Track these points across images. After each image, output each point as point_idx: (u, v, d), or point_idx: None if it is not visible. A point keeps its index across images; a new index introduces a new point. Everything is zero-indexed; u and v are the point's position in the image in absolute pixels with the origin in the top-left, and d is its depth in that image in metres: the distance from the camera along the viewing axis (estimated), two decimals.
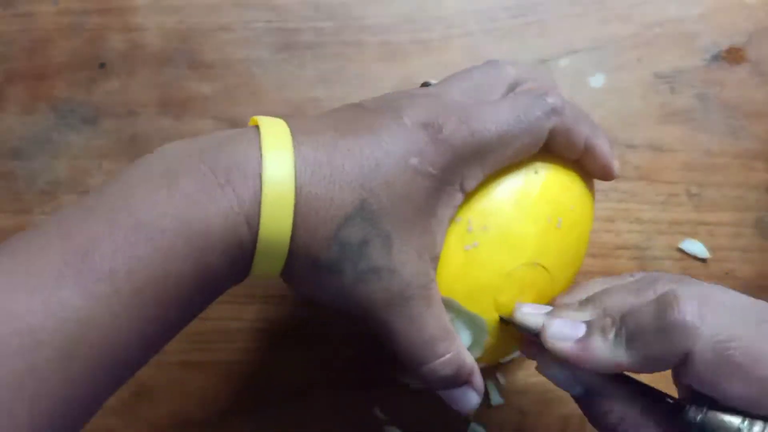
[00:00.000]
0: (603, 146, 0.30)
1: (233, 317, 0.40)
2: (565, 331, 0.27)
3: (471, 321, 0.30)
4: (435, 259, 0.28)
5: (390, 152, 0.26)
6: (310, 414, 0.39)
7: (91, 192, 0.26)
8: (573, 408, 0.40)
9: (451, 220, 0.28)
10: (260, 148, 0.25)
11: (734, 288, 0.40)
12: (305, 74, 0.41)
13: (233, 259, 0.25)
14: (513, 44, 0.41)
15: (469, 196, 0.29)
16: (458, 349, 0.29)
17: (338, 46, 0.41)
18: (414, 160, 0.26)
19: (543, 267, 0.30)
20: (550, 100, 0.28)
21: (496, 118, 0.27)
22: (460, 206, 0.29)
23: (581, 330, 0.27)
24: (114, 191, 0.25)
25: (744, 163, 0.41)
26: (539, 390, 0.40)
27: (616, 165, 0.31)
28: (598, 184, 0.41)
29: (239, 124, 0.41)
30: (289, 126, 0.27)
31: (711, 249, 0.40)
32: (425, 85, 0.34)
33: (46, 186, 0.41)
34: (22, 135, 0.41)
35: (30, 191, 0.41)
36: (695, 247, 0.40)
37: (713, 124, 0.41)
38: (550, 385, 0.40)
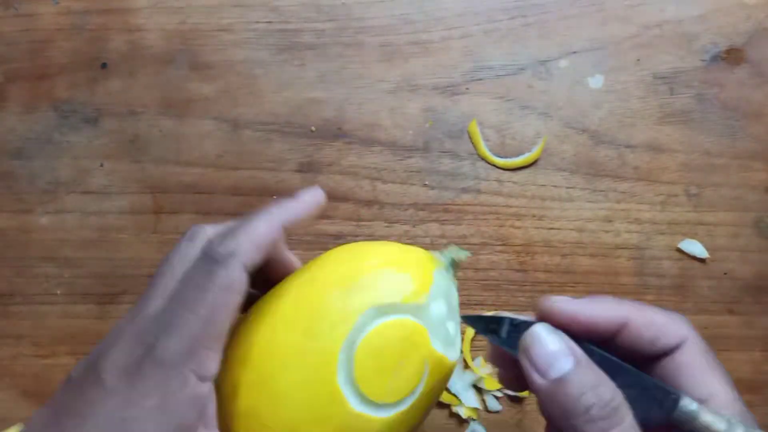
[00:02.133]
0: (292, 214, 0.28)
1: None
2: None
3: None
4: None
5: (97, 428, 0.25)
6: None
7: None
8: None
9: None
10: None
11: (734, 288, 0.40)
12: (306, 75, 0.41)
13: None
14: (512, 45, 0.41)
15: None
16: None
17: (338, 47, 0.41)
18: (118, 414, 0.25)
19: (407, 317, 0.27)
20: (218, 248, 0.26)
21: (182, 306, 0.26)
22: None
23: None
24: None
25: (743, 163, 0.41)
26: None
27: (312, 202, 0.29)
28: (598, 183, 0.41)
29: (240, 125, 0.41)
30: None
31: (710, 249, 0.40)
32: None
33: (47, 186, 0.41)
34: (23, 135, 0.41)
35: (31, 191, 0.41)
36: (694, 247, 0.40)
37: (712, 124, 0.41)
38: None
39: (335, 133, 0.41)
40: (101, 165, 0.41)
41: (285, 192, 0.41)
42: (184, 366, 0.25)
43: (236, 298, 0.26)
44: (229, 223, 0.29)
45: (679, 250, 0.41)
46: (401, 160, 0.41)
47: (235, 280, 0.26)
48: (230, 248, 0.26)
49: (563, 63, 0.41)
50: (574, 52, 0.41)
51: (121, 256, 0.41)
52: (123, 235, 0.41)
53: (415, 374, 0.26)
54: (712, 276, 0.41)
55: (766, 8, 0.42)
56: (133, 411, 0.25)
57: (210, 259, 0.26)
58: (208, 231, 0.28)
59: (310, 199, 0.29)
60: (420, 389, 0.26)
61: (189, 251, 0.28)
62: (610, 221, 0.41)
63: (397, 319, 0.26)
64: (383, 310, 0.26)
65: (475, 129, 0.41)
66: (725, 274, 0.41)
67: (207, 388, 0.26)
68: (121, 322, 0.27)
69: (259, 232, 0.27)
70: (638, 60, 0.41)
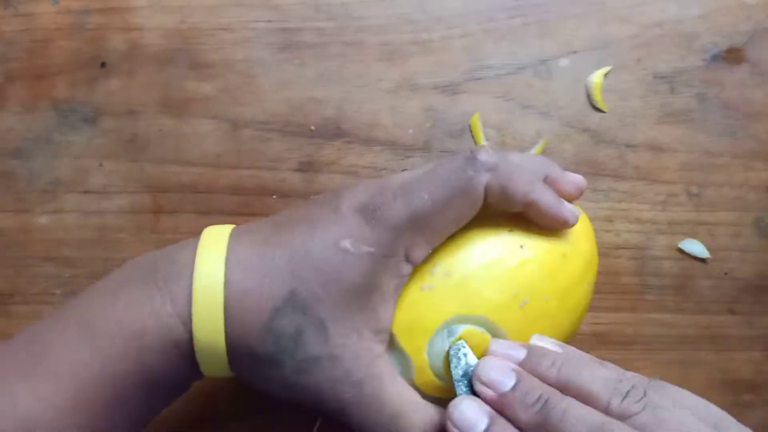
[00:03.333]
0: (544, 200, 0.29)
1: None
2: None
3: (401, 356, 0.29)
4: (380, 332, 0.28)
5: (320, 239, 0.27)
6: (311, 418, 0.39)
7: (69, 303, 0.28)
8: None
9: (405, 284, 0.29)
10: (195, 252, 0.27)
11: (734, 288, 0.40)
12: (306, 74, 0.41)
13: (172, 359, 0.26)
14: (513, 44, 0.41)
15: (451, 243, 0.29)
16: (424, 417, 0.28)
17: (338, 47, 0.41)
18: (345, 243, 0.27)
19: (487, 335, 0.29)
20: (482, 157, 0.28)
21: (428, 185, 0.27)
22: (438, 249, 0.29)
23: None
24: (81, 301, 0.27)
25: (743, 163, 0.41)
26: None
27: (566, 215, 0.29)
28: (599, 183, 0.41)
29: (240, 124, 0.41)
30: (233, 230, 0.28)
31: (710, 249, 0.40)
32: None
33: (47, 185, 0.41)
34: (23, 134, 0.41)
35: (31, 191, 0.41)
36: (695, 246, 0.40)
37: (713, 124, 0.41)
38: None
39: (335, 132, 0.41)
40: (101, 164, 0.41)
41: (285, 192, 0.41)
42: (402, 237, 0.27)
43: (467, 216, 0.28)
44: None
45: (680, 250, 0.41)
46: (401, 159, 0.41)
47: (477, 198, 0.28)
48: (495, 162, 0.28)
49: (564, 62, 0.41)
50: (575, 52, 0.41)
51: (120, 255, 0.41)
52: (122, 234, 0.41)
53: None
54: (713, 276, 0.41)
55: (767, 8, 0.42)
56: (356, 246, 0.27)
57: (473, 160, 0.28)
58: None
59: (567, 213, 0.30)
60: None
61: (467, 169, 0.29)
62: (611, 221, 0.41)
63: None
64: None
65: (476, 123, 0.41)
66: (726, 273, 0.41)
67: (408, 270, 0.28)
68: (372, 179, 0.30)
69: (521, 183, 0.28)
70: (639, 60, 0.41)
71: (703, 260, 0.41)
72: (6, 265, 0.41)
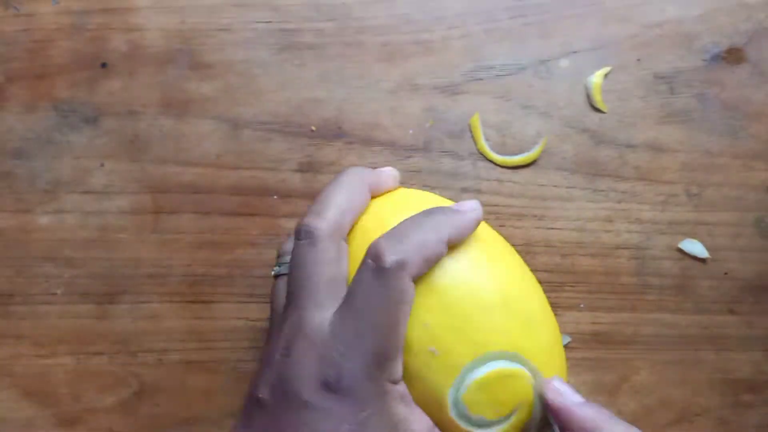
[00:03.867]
0: (457, 230, 0.29)
1: (235, 316, 0.41)
2: None
3: None
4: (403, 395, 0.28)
5: None
6: None
7: None
8: None
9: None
10: None
11: (734, 288, 0.40)
12: (306, 75, 0.41)
13: None
14: (513, 45, 0.41)
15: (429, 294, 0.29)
16: None
17: (339, 47, 0.41)
18: (344, 427, 0.27)
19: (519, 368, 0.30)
20: (388, 260, 0.27)
21: (361, 322, 0.27)
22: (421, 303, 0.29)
23: None
24: None
25: (744, 163, 0.41)
26: None
27: (474, 218, 0.30)
28: (599, 183, 0.41)
29: (240, 125, 0.41)
30: None
31: (710, 249, 0.40)
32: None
33: (47, 186, 0.41)
34: (23, 135, 0.41)
35: (31, 191, 0.41)
36: (695, 247, 0.40)
37: (713, 124, 0.41)
38: None
39: (335, 132, 0.41)
40: (101, 165, 0.41)
41: (285, 192, 0.41)
42: (378, 377, 0.27)
43: (408, 309, 0.27)
44: (325, 197, 0.30)
45: (680, 250, 0.41)
46: (401, 159, 0.41)
47: (407, 293, 0.27)
48: (401, 259, 0.27)
49: (564, 62, 0.41)
50: (575, 52, 0.41)
51: (120, 255, 0.41)
52: (123, 234, 0.41)
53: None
54: (713, 276, 0.41)
55: (767, 8, 0.41)
56: (356, 421, 0.27)
57: (381, 270, 0.27)
58: (325, 229, 0.29)
59: (474, 215, 0.30)
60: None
61: (325, 255, 0.29)
62: (611, 221, 0.41)
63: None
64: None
65: (476, 123, 0.41)
66: (726, 274, 0.41)
67: (403, 387, 0.28)
68: (289, 332, 0.28)
69: (429, 246, 0.28)
70: (639, 60, 0.41)
71: (703, 260, 0.41)
72: (6, 265, 0.41)
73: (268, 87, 0.41)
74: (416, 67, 0.41)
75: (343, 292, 0.28)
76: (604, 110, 0.41)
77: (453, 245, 0.29)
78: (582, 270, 0.41)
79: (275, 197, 0.41)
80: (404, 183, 0.41)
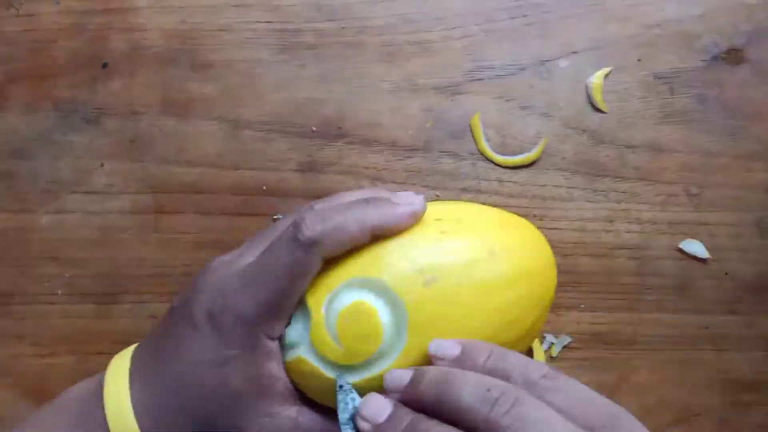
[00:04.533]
0: (379, 218, 0.30)
1: None
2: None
3: (304, 310, 0.31)
4: (288, 397, 0.31)
5: (190, 366, 0.30)
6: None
7: None
8: None
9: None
10: (104, 406, 0.31)
11: (734, 288, 0.40)
12: (306, 75, 0.41)
13: None
14: (513, 45, 0.41)
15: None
16: None
17: (339, 47, 0.41)
18: (210, 359, 0.30)
19: (376, 309, 0.30)
20: (305, 235, 0.29)
21: (265, 274, 0.30)
22: None
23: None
24: None
25: (744, 163, 0.41)
26: None
27: (406, 211, 0.31)
28: (599, 183, 0.41)
29: (241, 125, 0.41)
30: (133, 368, 0.32)
31: (711, 249, 0.40)
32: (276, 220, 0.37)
33: (48, 185, 0.41)
34: (24, 135, 0.41)
35: (32, 191, 0.41)
36: (695, 247, 0.40)
37: (713, 124, 0.41)
38: None
39: (336, 132, 0.41)
40: (102, 165, 0.41)
41: (286, 192, 0.41)
42: (257, 326, 0.30)
43: (307, 280, 0.30)
44: (331, 200, 0.33)
45: (680, 250, 0.41)
46: (402, 159, 0.41)
47: (311, 266, 0.30)
48: (316, 235, 0.29)
49: (564, 63, 0.41)
50: (575, 52, 0.41)
51: (122, 255, 0.41)
52: (124, 234, 0.41)
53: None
54: (713, 276, 0.41)
55: (767, 8, 0.41)
56: (220, 356, 0.30)
57: (296, 239, 0.29)
58: (313, 206, 0.31)
59: (408, 209, 0.31)
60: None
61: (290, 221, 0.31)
62: (611, 221, 0.41)
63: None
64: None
65: (477, 123, 0.41)
66: (726, 274, 0.41)
67: (275, 345, 0.31)
68: (217, 264, 0.32)
69: (348, 231, 0.30)
70: (639, 60, 0.41)
71: (703, 260, 0.41)
72: (8, 265, 0.41)
73: (268, 87, 0.41)
74: (416, 67, 0.41)
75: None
76: (605, 110, 0.41)
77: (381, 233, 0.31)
78: (582, 270, 0.41)
79: (276, 197, 0.41)
80: (404, 183, 0.41)
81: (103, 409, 0.31)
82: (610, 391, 0.40)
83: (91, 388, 0.32)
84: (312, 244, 0.29)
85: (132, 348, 0.34)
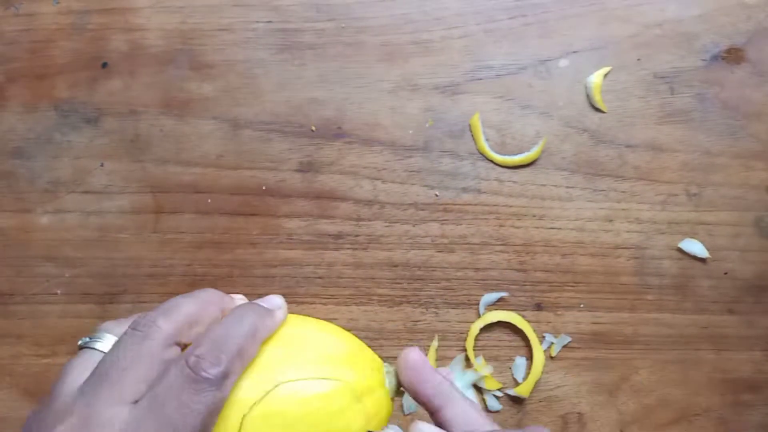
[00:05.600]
0: (267, 328, 0.28)
1: None
2: None
3: None
4: None
5: None
6: None
7: None
8: (573, 408, 0.40)
9: None
10: None
11: (734, 288, 0.40)
12: (306, 75, 0.41)
13: None
14: (513, 45, 0.41)
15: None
16: None
17: (339, 47, 0.41)
18: None
19: None
20: (213, 371, 0.25)
21: None
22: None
23: None
24: None
25: (743, 163, 0.41)
26: (539, 390, 0.40)
27: (280, 316, 0.29)
28: (599, 183, 0.41)
29: (240, 125, 0.41)
30: None
31: (710, 249, 0.40)
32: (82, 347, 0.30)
33: (47, 185, 0.41)
34: (24, 134, 0.41)
35: (32, 190, 0.41)
36: (694, 246, 0.40)
37: (712, 124, 0.41)
38: (550, 385, 0.40)
39: (335, 132, 0.41)
40: (101, 164, 0.41)
41: (285, 192, 0.41)
42: None
43: (217, 416, 0.26)
44: (176, 310, 0.28)
45: (680, 250, 0.41)
46: (401, 159, 0.41)
47: (223, 401, 0.26)
48: (225, 371, 0.26)
49: (563, 62, 0.41)
50: (575, 52, 0.41)
51: (121, 255, 0.41)
52: (123, 234, 0.41)
53: None
54: (713, 276, 0.41)
55: (767, 8, 0.42)
56: None
57: (199, 381, 0.25)
58: (165, 329, 0.27)
59: (281, 313, 0.29)
60: None
61: (150, 349, 0.26)
62: (611, 221, 0.41)
63: None
64: None
65: (476, 123, 0.41)
66: (725, 273, 0.41)
67: None
68: (75, 421, 0.26)
69: (248, 353, 0.27)
70: (639, 59, 0.41)
71: (702, 260, 0.41)
72: (7, 264, 0.41)
73: (268, 87, 0.41)
74: (416, 67, 0.41)
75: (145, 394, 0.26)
76: (604, 110, 0.41)
77: None
78: (582, 270, 0.41)
79: (275, 197, 0.41)
80: (404, 183, 0.41)
81: None
82: (610, 391, 0.40)
83: None
84: (224, 377, 0.25)
85: None
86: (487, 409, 0.40)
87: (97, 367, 0.27)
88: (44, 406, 0.27)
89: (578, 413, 0.40)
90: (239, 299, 0.30)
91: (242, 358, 0.26)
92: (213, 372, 0.25)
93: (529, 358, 0.40)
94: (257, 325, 0.27)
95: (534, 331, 0.40)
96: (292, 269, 0.41)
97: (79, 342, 0.29)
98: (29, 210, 0.41)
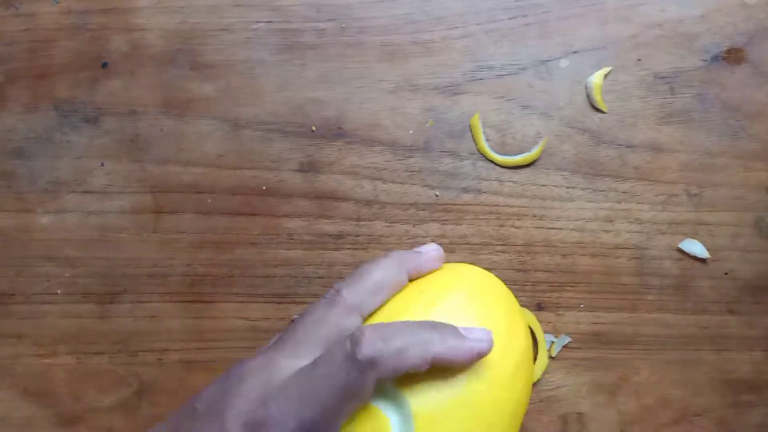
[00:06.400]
0: (447, 355, 0.28)
1: (235, 316, 0.41)
2: None
3: None
4: None
5: None
6: None
7: None
8: (573, 408, 0.40)
9: None
10: None
11: (734, 288, 0.40)
12: (306, 75, 0.41)
13: None
14: (513, 45, 0.41)
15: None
16: None
17: (339, 47, 0.41)
18: None
19: None
20: (362, 354, 0.27)
21: (312, 392, 0.27)
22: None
23: None
24: None
25: (744, 163, 0.41)
26: (539, 390, 0.40)
27: (475, 347, 0.29)
28: (599, 183, 0.41)
29: (241, 125, 0.41)
30: None
31: (710, 249, 0.40)
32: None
33: (48, 185, 0.41)
34: (24, 134, 0.41)
35: (32, 191, 0.41)
36: (695, 247, 0.40)
37: (713, 124, 0.41)
38: (550, 385, 0.40)
39: (336, 132, 0.41)
40: (102, 164, 0.41)
41: (286, 192, 0.41)
42: None
43: (356, 404, 0.27)
44: (360, 278, 0.31)
45: (680, 250, 0.41)
46: (402, 159, 0.41)
47: (364, 390, 0.27)
48: (375, 355, 0.27)
49: (564, 63, 0.41)
50: (575, 52, 0.41)
51: (121, 255, 0.41)
52: (123, 234, 0.41)
53: None
54: (713, 276, 0.41)
55: (767, 8, 0.42)
56: None
57: (352, 358, 0.27)
58: (347, 299, 0.30)
59: (476, 348, 0.29)
60: None
61: (335, 319, 0.30)
62: (611, 221, 0.41)
63: None
64: None
65: (477, 123, 0.41)
66: (726, 274, 0.41)
67: None
68: (252, 368, 0.29)
69: (408, 359, 0.28)
70: (639, 60, 0.41)
71: (703, 260, 0.41)
72: (7, 264, 0.41)
73: (268, 87, 0.41)
74: (416, 67, 0.41)
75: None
76: (605, 110, 0.41)
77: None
78: (582, 270, 0.41)
79: (276, 197, 0.41)
80: (404, 183, 0.41)
81: None
82: (610, 391, 0.40)
83: None
84: (369, 364, 0.27)
85: None
86: None
87: (290, 326, 0.31)
88: (234, 369, 0.30)
89: (578, 413, 0.40)
90: (430, 250, 0.33)
91: (398, 359, 0.27)
92: (364, 353, 0.27)
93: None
94: (435, 342, 0.28)
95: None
96: (292, 269, 0.41)
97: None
98: (29, 210, 0.41)
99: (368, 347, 0.27)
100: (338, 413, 0.27)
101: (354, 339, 0.27)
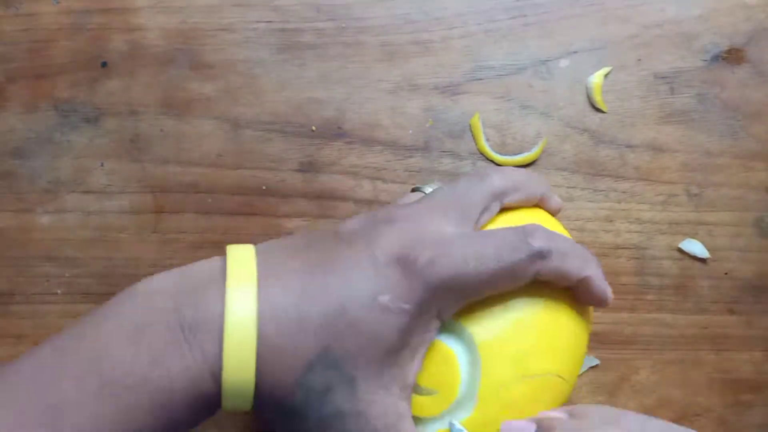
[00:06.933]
0: (595, 280, 0.30)
1: None
2: None
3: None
4: (406, 388, 0.27)
5: (357, 292, 0.26)
6: None
7: (67, 334, 0.27)
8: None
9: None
10: (224, 301, 0.26)
11: (734, 288, 0.40)
12: (306, 75, 0.41)
13: (197, 410, 0.26)
14: (513, 45, 0.41)
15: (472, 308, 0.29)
16: None
17: (339, 47, 0.41)
18: (384, 298, 0.26)
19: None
20: (536, 243, 0.28)
21: (476, 258, 0.27)
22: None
23: None
24: (87, 345, 0.26)
25: (744, 163, 0.41)
26: None
27: (609, 294, 0.30)
28: (599, 183, 0.41)
29: (241, 125, 0.41)
30: (258, 264, 0.27)
31: (710, 249, 0.41)
32: (415, 190, 0.35)
33: (48, 185, 0.41)
34: (23, 134, 0.41)
35: (32, 190, 0.41)
36: (695, 247, 0.40)
37: (713, 124, 0.41)
38: None
39: (336, 132, 0.41)
40: (102, 164, 0.41)
41: (286, 192, 0.41)
42: (439, 295, 0.27)
43: (507, 287, 0.28)
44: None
45: (680, 250, 0.41)
46: (401, 159, 0.41)
47: (524, 277, 0.28)
48: (544, 250, 0.28)
49: (564, 63, 0.41)
50: (575, 52, 0.41)
51: (121, 255, 0.41)
52: (123, 234, 0.41)
53: None
54: (713, 276, 0.41)
55: (767, 8, 0.42)
56: (396, 304, 0.26)
57: (526, 245, 0.28)
58: (496, 182, 0.30)
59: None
60: None
61: (478, 193, 0.30)
62: (611, 221, 0.41)
63: None
64: None
65: (477, 123, 0.41)
66: (726, 273, 0.41)
67: (436, 325, 0.28)
68: (410, 210, 0.29)
69: (567, 267, 0.29)
70: (639, 60, 0.41)
71: (703, 260, 0.41)
72: (7, 264, 0.41)
73: (268, 87, 0.41)
74: (416, 67, 0.41)
75: (470, 229, 0.29)
76: (605, 110, 0.41)
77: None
78: None
79: (275, 197, 0.41)
80: (404, 183, 0.41)
81: (206, 305, 0.26)
82: (610, 391, 0.40)
83: (184, 283, 0.28)
84: (539, 254, 0.27)
85: (247, 248, 0.29)
86: None
87: (431, 194, 0.30)
88: (380, 211, 0.30)
89: None
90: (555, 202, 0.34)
91: (560, 261, 0.28)
92: (536, 245, 0.28)
93: None
94: (592, 265, 0.30)
95: None
96: None
97: (420, 186, 0.34)
98: (29, 210, 0.41)
99: (540, 240, 0.28)
100: (491, 281, 0.27)
101: (528, 230, 0.28)
